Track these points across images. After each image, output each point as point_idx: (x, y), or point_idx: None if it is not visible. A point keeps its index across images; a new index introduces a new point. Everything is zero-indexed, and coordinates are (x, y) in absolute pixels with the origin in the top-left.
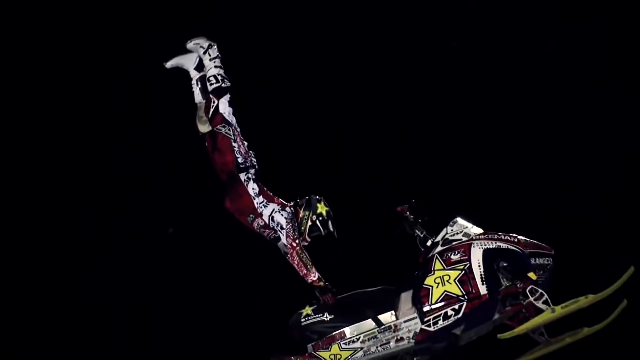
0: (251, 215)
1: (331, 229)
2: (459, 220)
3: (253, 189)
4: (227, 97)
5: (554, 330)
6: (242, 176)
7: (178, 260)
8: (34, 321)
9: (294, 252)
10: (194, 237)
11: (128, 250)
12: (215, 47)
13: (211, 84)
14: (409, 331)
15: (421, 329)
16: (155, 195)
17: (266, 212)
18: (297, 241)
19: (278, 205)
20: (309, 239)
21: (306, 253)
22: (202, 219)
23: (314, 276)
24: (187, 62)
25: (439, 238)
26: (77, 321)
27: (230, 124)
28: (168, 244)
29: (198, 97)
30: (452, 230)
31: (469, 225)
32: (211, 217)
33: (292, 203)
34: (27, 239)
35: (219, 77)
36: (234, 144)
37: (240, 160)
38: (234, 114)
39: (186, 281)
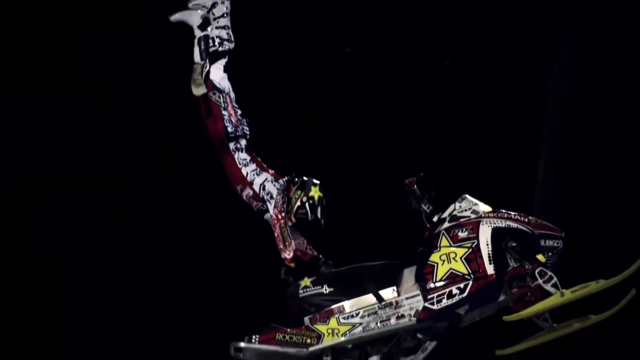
0: (240, 185)
1: (319, 216)
2: (468, 197)
3: (243, 158)
4: (223, 61)
5: (559, 316)
6: (232, 145)
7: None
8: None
9: (278, 224)
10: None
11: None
12: (222, 4)
13: (209, 46)
14: (411, 308)
15: (424, 307)
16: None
17: (258, 180)
18: (283, 214)
19: (271, 175)
20: (294, 220)
21: (289, 229)
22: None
23: (288, 254)
24: (193, 18)
25: (445, 214)
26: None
27: (221, 91)
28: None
29: (197, 57)
30: (460, 206)
31: (478, 202)
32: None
33: (286, 178)
34: None
35: (218, 40)
36: (224, 112)
37: (230, 129)
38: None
39: (184, 243)
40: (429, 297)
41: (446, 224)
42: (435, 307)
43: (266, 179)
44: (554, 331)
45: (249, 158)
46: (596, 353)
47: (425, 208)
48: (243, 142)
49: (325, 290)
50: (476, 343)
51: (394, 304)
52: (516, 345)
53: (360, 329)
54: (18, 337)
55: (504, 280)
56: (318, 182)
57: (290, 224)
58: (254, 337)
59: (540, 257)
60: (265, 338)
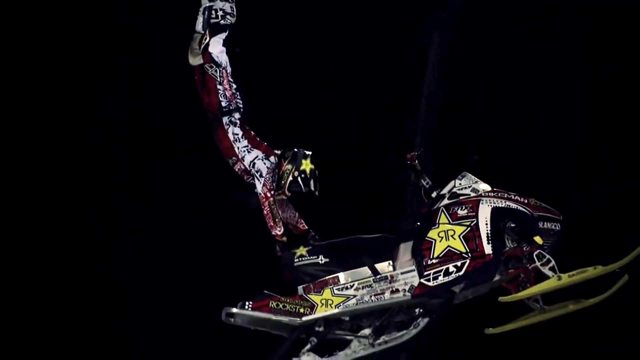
0: (233, 158)
1: (312, 188)
2: (468, 174)
3: (235, 133)
4: (223, 35)
5: (551, 299)
6: (225, 119)
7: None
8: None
9: (267, 202)
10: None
11: None
12: None
13: (211, 18)
14: (405, 284)
15: (420, 283)
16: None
17: (248, 158)
18: (271, 192)
19: (263, 152)
20: (288, 193)
21: (277, 207)
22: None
23: (278, 230)
24: None
25: (445, 190)
26: None
27: (218, 65)
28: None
29: (199, 26)
30: (460, 184)
31: (478, 180)
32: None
33: (279, 152)
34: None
35: (221, 13)
36: (219, 87)
37: (224, 103)
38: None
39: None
40: (425, 273)
41: (445, 201)
42: (431, 283)
43: (257, 156)
44: (544, 313)
45: (241, 133)
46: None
47: (424, 183)
48: (237, 116)
49: (321, 260)
50: (466, 321)
51: (389, 278)
52: (506, 324)
53: (354, 301)
54: None
55: (501, 260)
56: (309, 153)
57: (284, 197)
58: (247, 303)
59: (537, 238)
60: (258, 305)
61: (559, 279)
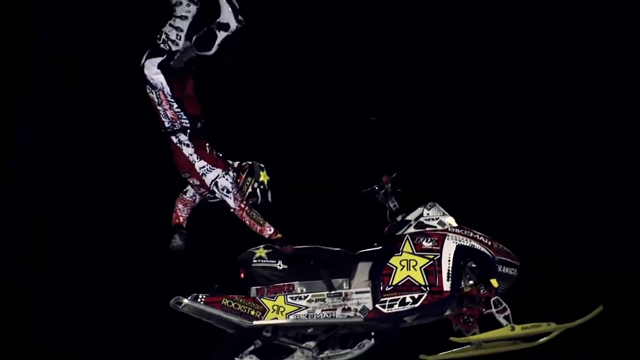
0: (186, 174)
1: (269, 199)
2: (437, 205)
3: (190, 154)
4: (159, 59)
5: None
6: (173, 139)
7: None
8: None
9: (244, 212)
10: None
11: None
12: (187, 6)
13: (157, 38)
14: (358, 304)
15: (374, 308)
16: None
17: (210, 177)
18: (244, 202)
19: (222, 169)
20: (243, 205)
21: (255, 210)
22: None
23: (269, 230)
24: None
25: (411, 217)
26: None
27: (154, 87)
28: None
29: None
30: (428, 214)
31: (446, 213)
32: None
33: (235, 165)
34: None
35: (164, 37)
36: (158, 107)
37: (167, 124)
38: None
39: None
40: (382, 299)
41: (412, 229)
42: (385, 310)
43: (217, 175)
44: (480, 349)
45: (195, 154)
46: None
47: (392, 205)
48: (183, 137)
49: (279, 266)
50: (402, 345)
51: (343, 295)
52: (441, 353)
53: (305, 312)
54: None
55: (455, 297)
56: (264, 166)
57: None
58: (200, 296)
59: (493, 281)
60: (211, 300)
61: (512, 329)
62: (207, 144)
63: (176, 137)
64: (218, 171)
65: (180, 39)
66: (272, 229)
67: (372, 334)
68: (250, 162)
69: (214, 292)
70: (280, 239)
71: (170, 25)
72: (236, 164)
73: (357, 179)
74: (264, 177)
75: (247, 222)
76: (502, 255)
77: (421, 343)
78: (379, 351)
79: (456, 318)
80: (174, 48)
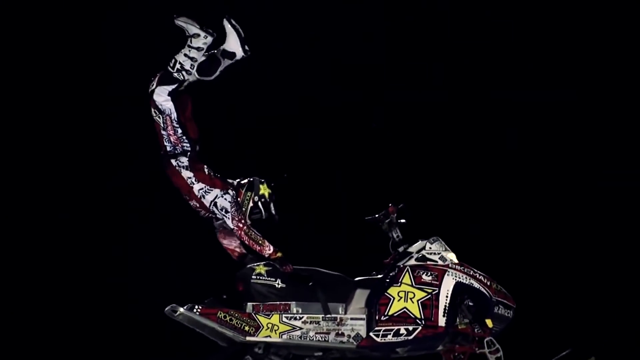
0: (186, 196)
1: (272, 212)
2: (440, 240)
3: (188, 177)
4: (170, 87)
5: None
6: (173, 162)
7: None
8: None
9: (242, 232)
10: None
11: None
12: (204, 38)
13: (169, 66)
14: (352, 330)
15: (368, 336)
16: None
17: (209, 198)
18: (242, 222)
19: (220, 189)
20: (248, 222)
21: (254, 230)
22: None
23: (269, 250)
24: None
25: (413, 249)
26: None
27: (162, 112)
28: None
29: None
30: (430, 247)
31: (447, 248)
32: None
33: (235, 183)
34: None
35: (178, 66)
36: (162, 132)
37: (169, 147)
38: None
39: None
40: (376, 328)
41: (413, 261)
42: (378, 339)
43: (216, 195)
44: None
45: (193, 176)
46: None
47: (395, 236)
48: (184, 160)
49: (277, 284)
50: None
51: (338, 320)
52: None
53: (299, 333)
54: None
55: (449, 334)
56: (264, 180)
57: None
58: (196, 306)
59: (489, 321)
60: (206, 312)
61: None
62: (205, 166)
63: (176, 160)
64: (216, 191)
65: (194, 69)
66: (272, 249)
67: None
68: (250, 179)
69: (209, 304)
70: (280, 258)
71: (186, 55)
72: (236, 182)
73: (363, 206)
74: (264, 190)
75: (246, 242)
76: (500, 297)
77: None
78: None
79: (447, 354)
80: (186, 77)
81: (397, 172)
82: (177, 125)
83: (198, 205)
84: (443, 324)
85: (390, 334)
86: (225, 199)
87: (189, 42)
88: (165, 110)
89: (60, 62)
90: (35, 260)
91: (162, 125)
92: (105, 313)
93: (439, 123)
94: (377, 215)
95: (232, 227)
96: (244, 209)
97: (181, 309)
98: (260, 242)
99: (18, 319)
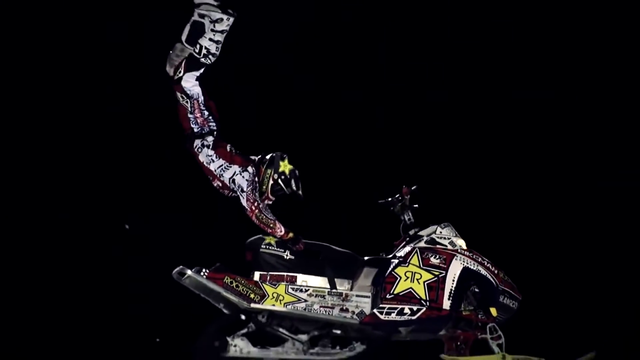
0: (209, 176)
1: (294, 188)
2: (450, 225)
3: (208, 155)
4: (198, 73)
5: None
6: (197, 142)
7: None
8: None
9: (253, 215)
10: None
11: None
12: (227, 20)
13: (195, 52)
14: (357, 306)
15: (372, 313)
16: None
17: (227, 175)
18: (256, 204)
19: (239, 166)
20: (272, 198)
21: (266, 213)
22: None
23: (280, 232)
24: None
25: (424, 233)
26: None
27: (190, 97)
28: None
29: (184, 35)
30: (441, 232)
31: (458, 234)
32: None
33: (256, 159)
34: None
35: (204, 51)
36: (189, 115)
37: (196, 129)
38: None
39: None
40: (381, 305)
41: (422, 244)
42: (382, 317)
43: (234, 172)
44: None
45: (214, 154)
46: None
47: (407, 219)
48: (210, 139)
49: (286, 255)
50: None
51: (343, 295)
52: None
53: (303, 305)
54: None
55: (453, 318)
56: (285, 155)
57: (269, 202)
58: (204, 270)
59: (493, 310)
60: (213, 276)
61: (503, 358)
62: (228, 145)
63: (202, 140)
64: (235, 168)
65: (218, 51)
66: (283, 230)
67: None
68: (271, 154)
69: (217, 269)
70: (292, 239)
71: (211, 40)
72: (257, 158)
73: (378, 187)
74: (284, 166)
75: (257, 223)
76: (506, 287)
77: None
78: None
79: (449, 341)
80: (213, 60)
81: (408, 160)
82: (204, 108)
83: (220, 185)
84: (447, 307)
85: (394, 312)
86: (243, 176)
87: (212, 27)
88: (193, 94)
89: (60, 63)
90: (35, 260)
91: (189, 109)
92: (104, 313)
93: (449, 114)
94: (390, 199)
95: (245, 206)
96: (264, 186)
97: (189, 272)
98: (271, 225)
99: (18, 319)
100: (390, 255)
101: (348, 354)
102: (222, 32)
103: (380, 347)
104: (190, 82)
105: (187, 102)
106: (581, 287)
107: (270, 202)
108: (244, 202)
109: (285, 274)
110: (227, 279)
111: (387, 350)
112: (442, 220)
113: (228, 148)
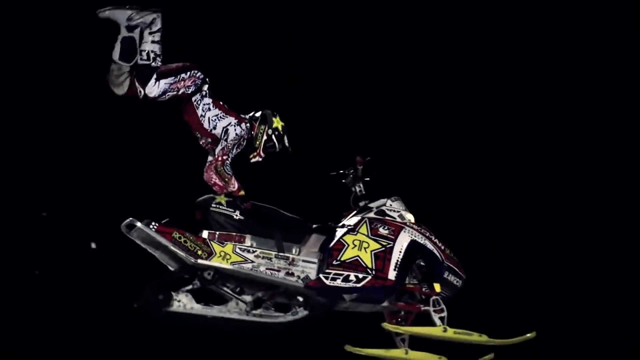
0: (198, 134)
1: (286, 144)
2: (400, 199)
3: (205, 104)
4: (153, 79)
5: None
6: (193, 98)
7: None
8: None
9: (214, 165)
10: None
11: None
12: (158, 18)
13: (142, 60)
14: (303, 272)
15: (317, 278)
16: None
17: (220, 125)
18: (226, 156)
19: (235, 119)
20: (263, 155)
21: (227, 167)
22: None
23: (233, 187)
24: (121, 16)
25: (374, 205)
26: None
27: (164, 93)
28: None
29: (117, 54)
30: (391, 205)
31: (407, 209)
32: None
33: (247, 117)
34: None
35: (152, 55)
36: (179, 93)
37: (189, 90)
38: None
39: None
40: (327, 270)
41: (372, 214)
42: (327, 282)
43: (229, 122)
44: (406, 354)
45: (211, 102)
46: None
47: (358, 190)
48: (206, 87)
49: (236, 216)
50: (330, 330)
51: (290, 259)
52: (366, 348)
53: (250, 266)
54: None
55: (397, 290)
56: (276, 112)
57: (259, 159)
58: (153, 223)
59: (437, 286)
60: (162, 230)
61: (444, 331)
62: (221, 102)
63: (199, 93)
64: (230, 119)
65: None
66: (237, 186)
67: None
68: (262, 111)
69: (166, 223)
70: (242, 197)
71: (153, 42)
72: (248, 116)
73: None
74: (277, 123)
75: (212, 175)
76: (452, 264)
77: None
78: (309, 325)
79: (390, 316)
80: (161, 61)
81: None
82: (185, 76)
83: (210, 141)
84: (393, 278)
85: (339, 278)
86: (235, 129)
87: (149, 30)
88: (164, 89)
89: (60, 63)
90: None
91: (175, 92)
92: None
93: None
94: (342, 171)
95: (216, 153)
96: (257, 142)
97: (139, 224)
98: (227, 179)
99: (18, 319)
100: (340, 224)
101: (290, 318)
102: (158, 30)
103: (322, 315)
104: (154, 90)
105: (166, 95)
106: (529, 266)
107: (261, 160)
108: (218, 148)
109: (234, 234)
110: (175, 233)
111: (328, 319)
112: (393, 194)
113: (221, 103)
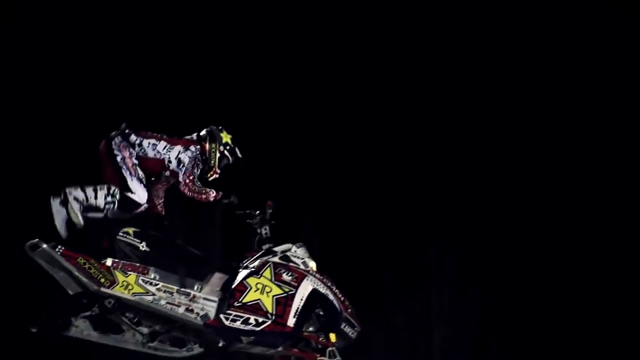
0: (155, 173)
1: (239, 155)
2: (304, 247)
3: (150, 144)
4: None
5: None
6: (136, 148)
7: None
8: None
9: (187, 187)
10: None
11: None
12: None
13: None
14: (202, 309)
15: (217, 317)
16: None
17: (172, 155)
18: (191, 177)
19: (182, 146)
20: (219, 171)
21: (198, 184)
22: None
23: (213, 194)
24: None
25: (278, 249)
26: None
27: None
28: None
29: (64, 234)
30: (296, 251)
31: (310, 257)
32: None
33: (193, 137)
34: None
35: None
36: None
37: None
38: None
39: None
40: (227, 311)
41: (276, 259)
42: (227, 322)
43: (179, 151)
44: None
45: (154, 139)
46: None
47: (263, 232)
48: (134, 136)
49: (142, 247)
50: None
51: (192, 296)
52: None
53: (150, 298)
54: None
55: (294, 337)
56: (221, 127)
57: (216, 176)
58: (59, 246)
59: (332, 336)
60: (68, 254)
61: None
62: (156, 134)
63: (125, 142)
64: (179, 147)
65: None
66: (214, 192)
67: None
68: (208, 129)
69: (72, 249)
70: (222, 195)
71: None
72: (194, 136)
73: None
74: (225, 137)
75: (191, 195)
76: (350, 315)
77: None
78: None
79: (283, 358)
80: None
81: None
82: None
83: (169, 174)
84: (292, 325)
85: (239, 320)
86: (187, 154)
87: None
88: (127, 167)
89: (61, 64)
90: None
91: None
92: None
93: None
94: (248, 211)
95: (180, 180)
96: (212, 161)
97: (44, 245)
98: (204, 192)
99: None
100: (244, 265)
101: (185, 353)
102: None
103: (216, 353)
104: (138, 187)
105: (137, 169)
106: None
107: (217, 176)
108: (180, 176)
109: (138, 264)
110: (81, 259)
111: (222, 357)
112: (297, 241)
113: (158, 135)
